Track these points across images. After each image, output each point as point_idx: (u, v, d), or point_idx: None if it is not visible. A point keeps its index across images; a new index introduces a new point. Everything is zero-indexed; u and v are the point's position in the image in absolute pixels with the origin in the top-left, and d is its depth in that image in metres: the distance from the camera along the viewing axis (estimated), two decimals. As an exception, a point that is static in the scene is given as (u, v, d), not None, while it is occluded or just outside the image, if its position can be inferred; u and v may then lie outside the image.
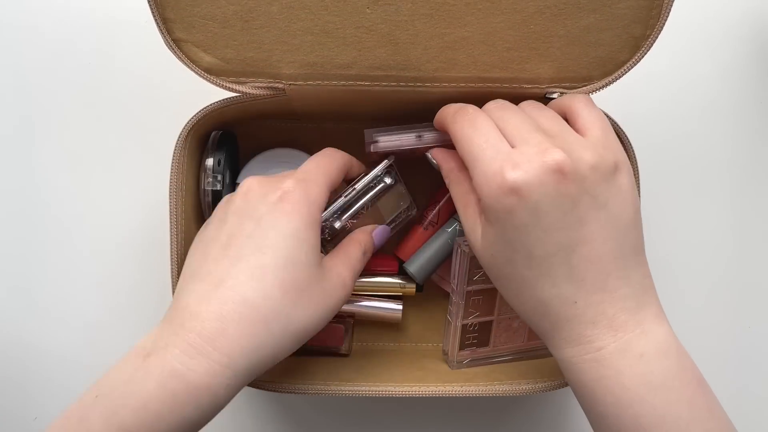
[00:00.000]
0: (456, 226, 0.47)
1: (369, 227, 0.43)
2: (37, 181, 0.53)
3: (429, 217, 0.48)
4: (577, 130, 0.34)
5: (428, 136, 0.41)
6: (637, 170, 0.40)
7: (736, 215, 0.53)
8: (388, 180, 0.43)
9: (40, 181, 0.53)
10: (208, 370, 0.30)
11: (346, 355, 0.47)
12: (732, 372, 0.52)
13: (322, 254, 0.37)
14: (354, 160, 0.42)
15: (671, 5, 0.36)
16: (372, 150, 0.42)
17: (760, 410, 0.52)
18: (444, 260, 0.47)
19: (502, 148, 0.33)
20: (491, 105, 0.37)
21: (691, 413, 0.31)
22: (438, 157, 0.40)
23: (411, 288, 0.48)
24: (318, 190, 0.37)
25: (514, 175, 0.31)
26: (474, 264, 0.43)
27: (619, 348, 0.31)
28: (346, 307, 0.48)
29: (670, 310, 0.52)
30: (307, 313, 0.34)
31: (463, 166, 0.37)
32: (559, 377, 0.41)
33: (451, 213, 0.48)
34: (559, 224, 0.32)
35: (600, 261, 0.32)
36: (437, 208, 0.48)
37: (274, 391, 0.40)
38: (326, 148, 0.41)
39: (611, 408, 0.31)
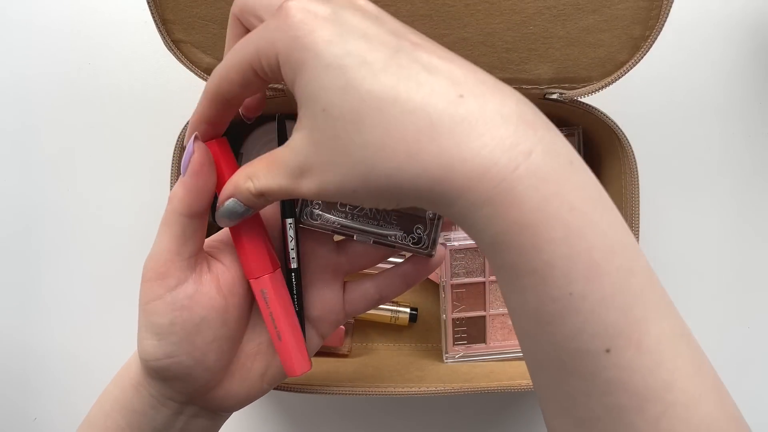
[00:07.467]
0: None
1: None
2: (36, 181, 0.53)
3: None
4: None
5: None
6: (637, 171, 0.40)
7: (736, 215, 0.53)
8: None
9: (40, 181, 0.53)
10: None
11: (346, 356, 0.48)
12: (732, 372, 0.52)
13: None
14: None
15: (670, 6, 0.36)
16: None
17: (760, 410, 0.52)
18: None
19: None
20: None
21: (631, 238, 0.23)
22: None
23: (404, 317, 0.48)
24: None
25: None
26: (453, 257, 0.45)
27: (547, 149, 0.21)
28: None
29: (669, 310, 0.53)
30: None
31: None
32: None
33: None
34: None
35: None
36: None
37: (275, 390, 0.40)
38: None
39: (561, 247, 0.20)
